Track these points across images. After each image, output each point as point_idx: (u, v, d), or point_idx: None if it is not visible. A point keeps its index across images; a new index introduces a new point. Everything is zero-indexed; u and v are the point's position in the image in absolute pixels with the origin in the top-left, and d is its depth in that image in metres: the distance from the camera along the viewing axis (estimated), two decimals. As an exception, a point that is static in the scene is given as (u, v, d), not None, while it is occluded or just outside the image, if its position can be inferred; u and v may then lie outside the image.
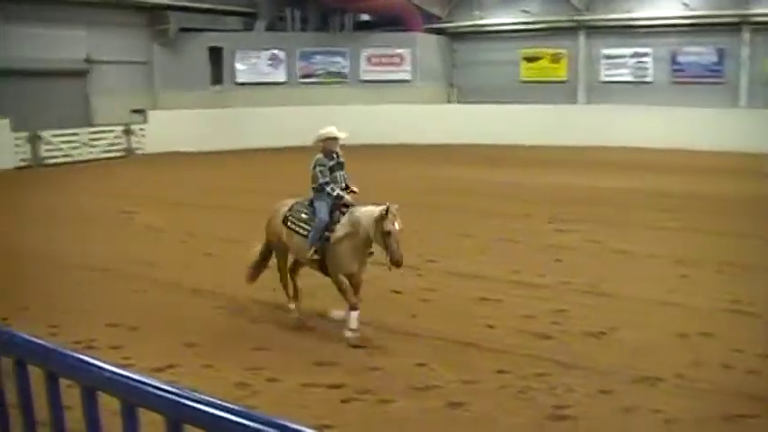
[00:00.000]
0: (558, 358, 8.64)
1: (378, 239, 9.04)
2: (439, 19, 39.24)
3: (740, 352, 8.87)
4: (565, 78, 36.98)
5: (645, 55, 35.14)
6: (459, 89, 39.53)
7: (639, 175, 24.43)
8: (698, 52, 34.04)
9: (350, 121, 33.89)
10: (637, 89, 34.95)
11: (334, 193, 9.55)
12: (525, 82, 37.52)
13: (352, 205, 9.50)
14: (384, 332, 9.57)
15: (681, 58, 34.43)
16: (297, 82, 36.97)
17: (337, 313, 9.75)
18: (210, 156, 31.42)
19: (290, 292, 10.28)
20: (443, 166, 27.78)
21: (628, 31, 35.26)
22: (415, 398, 7.72)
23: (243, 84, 36.32)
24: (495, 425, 7.20)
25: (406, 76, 37.73)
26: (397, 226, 8.86)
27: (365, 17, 39.66)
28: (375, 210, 9.07)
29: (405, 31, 38.04)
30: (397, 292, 11.34)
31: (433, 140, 33.95)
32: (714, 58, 33.79)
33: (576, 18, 36.07)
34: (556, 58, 37.15)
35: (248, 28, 37.38)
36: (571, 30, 36.40)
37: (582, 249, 14.33)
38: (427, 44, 38.47)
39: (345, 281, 9.39)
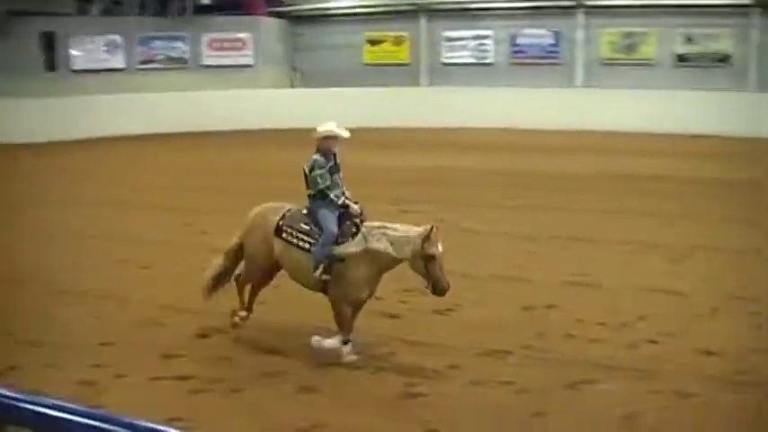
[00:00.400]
0: (407, 337, 8.73)
1: (417, 265, 7.85)
2: (281, 3, 38.89)
3: (582, 322, 9.21)
4: (407, 61, 37.37)
5: (486, 37, 35.92)
6: (302, 73, 39.35)
7: (481, 155, 24.97)
8: (536, 34, 35.11)
9: (191, 107, 33.72)
10: (478, 71, 35.69)
11: (340, 201, 8.28)
12: (368, 65, 37.71)
13: (360, 216, 8.28)
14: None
15: (520, 40, 35.39)
16: (136, 68, 35.90)
17: (329, 342, 8.24)
18: (45, 147, 30.11)
19: (245, 299, 8.98)
20: (287, 151, 27.54)
21: (468, 13, 35.96)
22: (267, 385, 7.66)
23: (79, 71, 34.99)
24: (348, 406, 7.23)
25: (249, 61, 37.24)
26: (440, 248, 7.82)
27: (205, 1, 38.85)
28: (409, 231, 7.93)
29: (246, 14, 37.56)
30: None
31: (276, 125, 33.55)
32: (551, 40, 34.92)
33: (416, 1, 36.48)
34: (398, 41, 37.50)
35: (83, 12, 35.96)
36: (412, 13, 36.79)
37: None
38: (269, 28, 38.11)
39: (350, 311, 8.20)
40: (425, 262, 7.73)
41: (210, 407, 7.23)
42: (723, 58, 32.53)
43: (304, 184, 8.48)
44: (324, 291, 8.30)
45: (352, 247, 8.06)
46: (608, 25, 33.79)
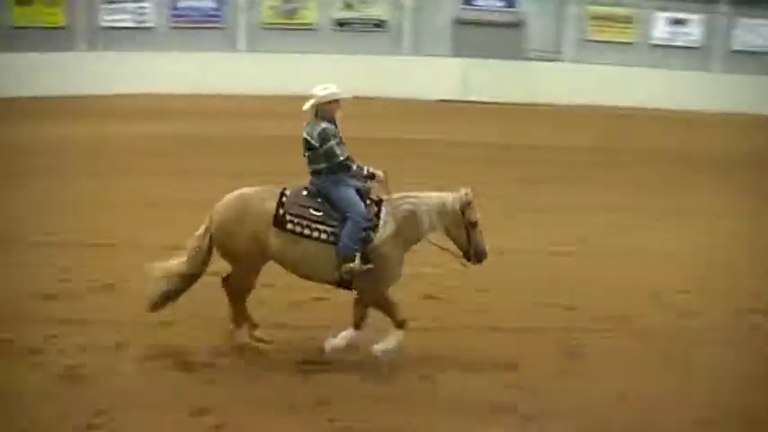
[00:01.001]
0: (68, 317, 8.28)
1: (456, 233, 7.29)
2: None
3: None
4: (63, 24, 35.34)
5: (145, 0, 34.95)
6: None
7: (141, 122, 24.27)
8: (197, -2, 34.85)
9: None
10: (138, 35, 34.61)
11: (365, 171, 7.29)
12: (19, 28, 35.09)
13: (383, 190, 7.41)
14: None
15: (180, 4, 34.92)
16: None
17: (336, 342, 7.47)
18: None
19: (246, 315, 7.71)
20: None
21: (127, -25, 34.82)
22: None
23: None
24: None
25: None
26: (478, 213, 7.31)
27: None
28: (444, 198, 7.31)
29: None
30: None
31: None
32: (212, 4, 34.88)
33: (68, -40, 34.67)
34: (52, 2, 35.36)
35: None
36: (65, -28, 34.92)
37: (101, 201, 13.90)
38: None
39: (387, 294, 7.38)
40: (467, 229, 7.27)
41: None
42: (379, 23, 34.41)
43: (306, 159, 7.45)
44: (347, 284, 7.35)
45: (387, 230, 7.25)
46: (269, -10, 34.30)
